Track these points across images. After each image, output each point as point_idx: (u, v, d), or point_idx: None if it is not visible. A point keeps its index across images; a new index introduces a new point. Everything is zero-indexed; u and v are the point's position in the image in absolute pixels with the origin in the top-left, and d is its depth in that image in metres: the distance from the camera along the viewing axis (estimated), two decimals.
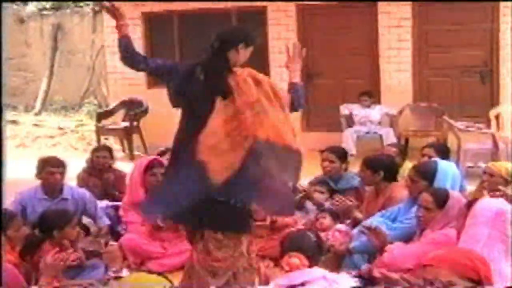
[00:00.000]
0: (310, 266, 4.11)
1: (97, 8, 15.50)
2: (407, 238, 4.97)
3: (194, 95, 4.43)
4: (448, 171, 5.29)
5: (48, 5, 17.45)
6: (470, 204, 4.13)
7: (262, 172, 4.36)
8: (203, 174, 4.25)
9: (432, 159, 6.06)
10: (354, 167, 7.01)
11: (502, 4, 10.54)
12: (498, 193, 5.37)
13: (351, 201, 6.06)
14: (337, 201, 6.04)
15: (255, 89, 4.43)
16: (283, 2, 11.38)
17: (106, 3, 4.82)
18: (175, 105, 4.65)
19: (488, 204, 4.06)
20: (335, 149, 6.86)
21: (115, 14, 4.76)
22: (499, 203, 4.12)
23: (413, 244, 4.59)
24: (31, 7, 17.56)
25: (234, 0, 11.33)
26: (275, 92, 4.51)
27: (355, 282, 4.38)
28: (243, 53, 4.60)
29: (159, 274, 2.97)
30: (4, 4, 16.76)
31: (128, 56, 4.66)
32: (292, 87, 4.78)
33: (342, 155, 6.72)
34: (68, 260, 4.69)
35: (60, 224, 5.27)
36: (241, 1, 11.41)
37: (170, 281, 2.94)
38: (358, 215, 5.88)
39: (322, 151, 6.60)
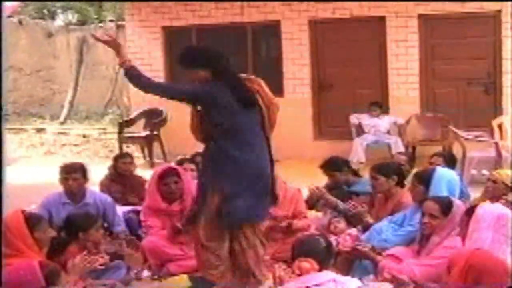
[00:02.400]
0: (320, 270, 4.09)
1: (119, 23, 15.58)
2: (409, 241, 5.01)
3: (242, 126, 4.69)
4: (443, 177, 5.30)
5: (74, 20, 17.57)
6: (469, 211, 4.11)
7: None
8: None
9: (432, 166, 6.03)
10: (364, 174, 6.99)
11: (503, 18, 10.52)
12: (501, 201, 5.35)
13: (363, 206, 6.03)
14: (349, 206, 6.02)
15: None
16: (296, 17, 11.38)
17: (98, 35, 5.02)
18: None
19: (489, 208, 4.03)
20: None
21: (110, 44, 4.89)
22: (499, 207, 4.12)
23: (425, 259, 4.57)
24: (59, 22, 17.69)
25: None
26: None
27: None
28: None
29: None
30: (33, 21, 16.93)
31: (144, 85, 4.73)
32: None
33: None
34: (96, 263, 4.71)
35: (85, 227, 5.30)
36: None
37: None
38: (370, 219, 5.85)
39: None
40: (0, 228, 4.22)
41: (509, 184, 5.60)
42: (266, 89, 4.82)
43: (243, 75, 4.90)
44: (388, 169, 5.87)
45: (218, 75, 4.71)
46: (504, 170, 6.12)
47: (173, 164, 6.60)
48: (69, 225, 5.37)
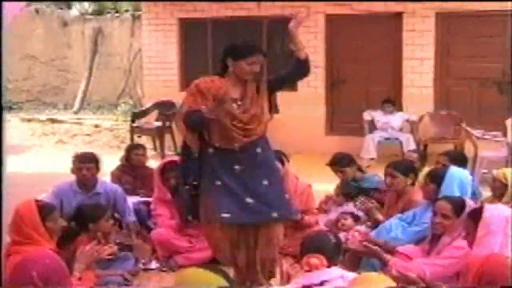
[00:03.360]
0: (329, 266, 4.08)
1: (136, 14, 15.61)
2: (419, 240, 4.98)
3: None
4: (455, 177, 5.27)
5: (90, 9, 17.60)
6: (473, 214, 4.08)
7: None
8: None
9: (446, 165, 5.99)
10: (375, 170, 6.97)
11: None
12: (506, 199, 5.35)
13: (372, 203, 6.02)
14: (359, 202, 6.01)
15: None
16: (312, 12, 11.34)
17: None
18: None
19: (496, 212, 3.99)
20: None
21: None
22: (505, 209, 4.09)
23: (435, 259, 4.55)
24: (75, 11, 17.72)
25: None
26: None
27: None
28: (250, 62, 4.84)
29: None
30: (50, 9, 16.97)
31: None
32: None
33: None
34: (103, 253, 4.73)
35: (94, 217, 5.35)
36: None
37: (227, 276, 2.91)
38: (380, 216, 5.83)
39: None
40: (0, 228, 4.24)
41: (504, 182, 5.58)
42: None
43: None
44: (406, 167, 5.86)
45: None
46: (505, 169, 6.08)
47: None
48: (80, 216, 5.42)
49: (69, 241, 5.03)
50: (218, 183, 4.66)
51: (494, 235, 3.84)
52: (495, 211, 3.99)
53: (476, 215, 3.99)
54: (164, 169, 6.07)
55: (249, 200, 4.66)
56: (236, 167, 4.68)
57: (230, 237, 4.76)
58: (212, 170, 4.70)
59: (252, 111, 4.70)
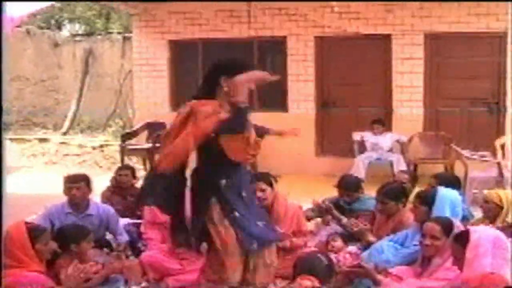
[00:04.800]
0: None
1: (126, 35, 15.62)
2: (411, 262, 4.98)
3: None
4: (446, 198, 5.27)
5: (80, 30, 17.60)
6: (459, 237, 4.07)
7: None
8: None
9: (434, 186, 5.98)
10: (365, 191, 6.96)
11: (509, 37, 10.51)
12: (500, 222, 5.34)
13: (365, 224, 6.00)
14: (352, 224, 5.99)
15: None
16: (303, 33, 11.41)
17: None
18: None
19: (483, 233, 3.99)
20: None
21: None
22: (491, 230, 4.10)
23: (428, 281, 4.53)
24: (65, 32, 17.72)
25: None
26: None
27: None
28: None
29: None
30: (40, 31, 16.97)
31: None
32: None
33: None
34: (89, 272, 4.67)
35: (77, 238, 5.26)
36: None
37: None
38: (371, 238, 5.81)
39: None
40: (0, 234, 4.21)
41: (499, 204, 5.56)
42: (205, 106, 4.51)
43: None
44: (396, 194, 5.86)
45: None
46: (497, 190, 6.07)
47: None
48: (62, 237, 5.31)
49: (49, 264, 4.97)
50: (236, 214, 4.56)
51: (483, 257, 3.83)
52: (482, 233, 3.98)
53: (463, 238, 3.98)
54: None
55: (259, 223, 4.65)
56: (244, 194, 4.63)
57: (242, 261, 4.69)
58: (226, 201, 4.57)
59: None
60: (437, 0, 10.67)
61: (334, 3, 10.88)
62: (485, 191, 6.05)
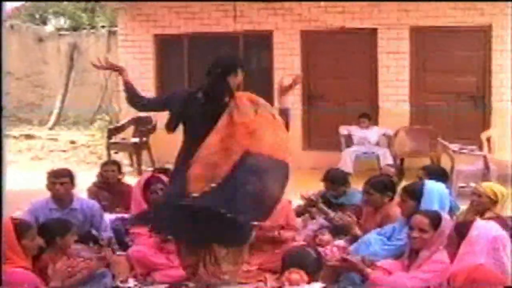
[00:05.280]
0: (309, 282, 4.07)
1: (112, 30, 15.56)
2: (399, 255, 4.98)
3: (195, 117, 4.67)
4: (434, 191, 5.27)
5: (66, 25, 17.51)
6: (460, 228, 4.05)
7: (252, 184, 4.47)
8: (183, 184, 4.47)
9: (421, 180, 5.99)
10: (352, 185, 6.96)
11: (494, 32, 10.56)
12: (488, 214, 5.34)
13: (350, 217, 6.00)
14: (339, 217, 6.00)
15: (253, 111, 4.66)
16: (288, 28, 11.40)
17: (97, 63, 5.48)
18: (172, 128, 4.77)
19: (484, 231, 3.92)
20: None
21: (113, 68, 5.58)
22: (494, 229, 4.01)
23: (416, 273, 4.54)
24: (50, 27, 17.62)
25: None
26: (274, 115, 4.75)
27: None
28: (239, 77, 4.83)
29: None
30: (25, 25, 16.87)
31: (131, 98, 5.27)
32: (285, 112, 4.99)
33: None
34: (77, 267, 4.66)
35: (62, 232, 5.23)
36: None
37: None
38: (358, 231, 5.82)
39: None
40: (0, 230, 4.20)
41: (493, 198, 5.56)
42: (246, 108, 4.69)
43: (240, 92, 4.82)
44: (383, 185, 5.85)
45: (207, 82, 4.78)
46: (488, 183, 6.09)
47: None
48: (46, 231, 5.27)
49: (36, 258, 4.94)
50: None
51: (477, 255, 3.78)
52: (482, 231, 3.91)
53: (463, 230, 3.96)
54: (149, 182, 5.99)
55: None
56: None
57: None
58: None
59: None
60: (433, 0, 10.68)
61: None
62: (476, 185, 6.05)
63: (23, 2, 17.09)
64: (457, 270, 3.50)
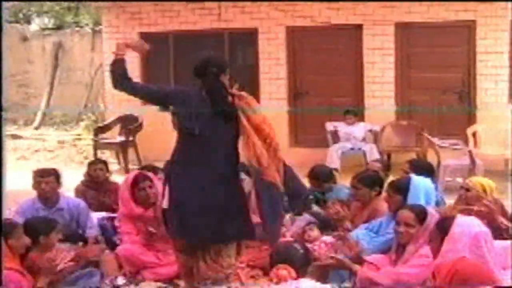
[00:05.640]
0: (297, 278, 4.09)
1: (96, 28, 15.51)
2: (386, 250, 5.01)
3: (201, 118, 4.49)
4: (420, 186, 5.31)
5: (50, 24, 17.43)
6: (442, 223, 4.08)
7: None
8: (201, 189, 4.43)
9: (408, 174, 6.02)
10: (339, 181, 6.99)
11: (478, 28, 10.62)
12: (475, 207, 5.37)
13: (344, 211, 6.03)
14: (332, 210, 6.02)
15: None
16: (274, 24, 11.40)
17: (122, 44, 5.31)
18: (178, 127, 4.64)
19: (467, 227, 3.95)
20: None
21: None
22: (476, 224, 4.04)
23: (403, 267, 4.57)
24: (34, 26, 17.53)
25: None
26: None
27: None
28: (228, 77, 4.70)
29: None
30: (9, 24, 16.77)
31: (119, 75, 5.07)
32: None
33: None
34: (65, 259, 4.66)
35: (47, 231, 5.22)
36: None
37: None
38: (349, 225, 5.85)
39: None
40: (0, 230, 4.19)
41: (482, 192, 5.60)
42: (257, 106, 4.72)
43: (236, 91, 4.76)
44: (371, 180, 5.89)
45: (204, 82, 4.64)
46: (478, 178, 6.14)
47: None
48: (30, 230, 5.25)
49: (22, 256, 4.93)
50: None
51: (459, 252, 3.79)
52: (466, 229, 3.93)
53: (445, 226, 3.99)
54: (137, 180, 5.96)
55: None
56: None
57: None
58: None
59: None
60: (428, 0, 10.72)
61: None
62: (465, 180, 6.10)
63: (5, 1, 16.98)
64: (440, 264, 3.53)
